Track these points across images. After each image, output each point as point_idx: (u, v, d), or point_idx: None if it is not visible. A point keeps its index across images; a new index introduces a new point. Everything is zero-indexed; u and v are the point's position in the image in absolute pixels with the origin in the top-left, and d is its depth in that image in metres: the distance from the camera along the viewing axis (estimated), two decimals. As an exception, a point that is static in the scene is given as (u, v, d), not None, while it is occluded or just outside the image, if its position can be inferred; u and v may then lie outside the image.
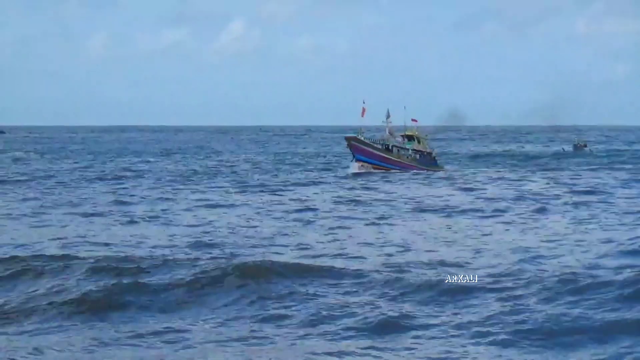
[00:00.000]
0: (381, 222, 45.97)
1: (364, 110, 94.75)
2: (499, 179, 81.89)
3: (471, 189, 68.86)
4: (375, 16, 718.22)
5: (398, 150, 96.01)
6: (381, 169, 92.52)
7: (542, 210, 51.09)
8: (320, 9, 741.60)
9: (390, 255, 33.85)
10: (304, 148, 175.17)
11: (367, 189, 69.97)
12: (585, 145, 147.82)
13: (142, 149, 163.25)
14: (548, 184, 74.25)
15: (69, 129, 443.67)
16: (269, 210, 51.54)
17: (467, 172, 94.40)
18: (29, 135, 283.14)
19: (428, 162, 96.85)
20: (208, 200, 58.21)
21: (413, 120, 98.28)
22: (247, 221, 46.13)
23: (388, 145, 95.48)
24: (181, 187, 70.30)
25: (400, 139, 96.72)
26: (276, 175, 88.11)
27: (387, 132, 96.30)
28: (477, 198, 60.30)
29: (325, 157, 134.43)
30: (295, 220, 46.77)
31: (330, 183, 76.96)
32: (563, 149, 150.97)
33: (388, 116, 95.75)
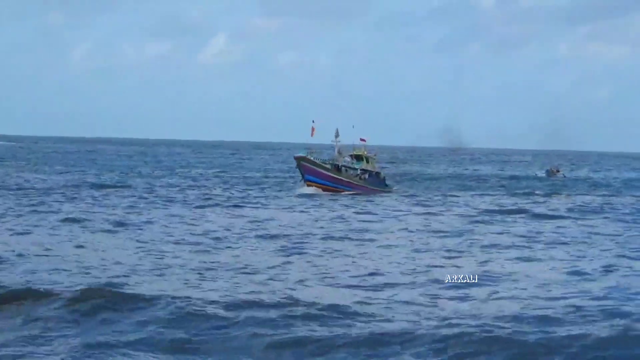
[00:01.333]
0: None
1: (313, 129, 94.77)
2: (425, 203, 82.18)
3: (369, 212, 68.54)
4: (359, 34, 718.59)
5: (346, 170, 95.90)
6: (331, 190, 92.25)
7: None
8: (306, 25, 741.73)
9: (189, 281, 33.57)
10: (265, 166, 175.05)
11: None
12: (559, 171, 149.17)
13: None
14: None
15: (40, 139, 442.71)
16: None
17: (413, 193, 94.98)
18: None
19: (377, 182, 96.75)
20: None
21: (362, 139, 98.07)
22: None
23: (337, 165, 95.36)
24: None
25: (348, 159, 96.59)
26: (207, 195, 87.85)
27: (337, 152, 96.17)
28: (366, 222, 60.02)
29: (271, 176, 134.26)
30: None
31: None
32: (536, 174, 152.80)
33: (337, 135, 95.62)
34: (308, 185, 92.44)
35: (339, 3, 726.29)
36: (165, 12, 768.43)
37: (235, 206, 71.48)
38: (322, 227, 55.35)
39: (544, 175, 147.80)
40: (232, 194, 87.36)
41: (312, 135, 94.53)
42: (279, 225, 55.69)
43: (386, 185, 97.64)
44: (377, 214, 66.52)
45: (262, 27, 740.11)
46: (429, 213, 68.32)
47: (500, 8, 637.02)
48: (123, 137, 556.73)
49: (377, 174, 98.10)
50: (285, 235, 49.74)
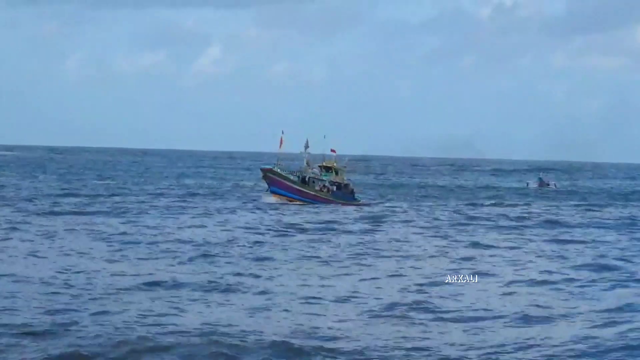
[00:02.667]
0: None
1: (281, 140, 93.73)
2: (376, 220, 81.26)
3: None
4: (353, 45, 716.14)
5: (314, 181, 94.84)
6: (296, 202, 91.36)
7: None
8: (300, 36, 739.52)
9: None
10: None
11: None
12: (548, 184, 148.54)
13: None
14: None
15: (34, 148, 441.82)
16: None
17: (379, 206, 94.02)
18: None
19: (345, 195, 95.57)
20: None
21: (332, 150, 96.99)
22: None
23: (305, 177, 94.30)
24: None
25: (317, 170, 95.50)
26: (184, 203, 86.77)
27: (305, 163, 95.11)
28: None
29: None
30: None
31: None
32: (527, 183, 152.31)
33: (307, 146, 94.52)
34: (273, 196, 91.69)
35: (334, 14, 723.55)
36: (159, 22, 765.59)
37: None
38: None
39: (535, 185, 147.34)
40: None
41: (280, 146, 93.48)
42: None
43: (354, 198, 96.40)
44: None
45: (256, 38, 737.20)
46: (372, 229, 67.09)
47: (495, 19, 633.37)
48: (118, 147, 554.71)
49: (346, 185, 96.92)
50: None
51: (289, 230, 63.21)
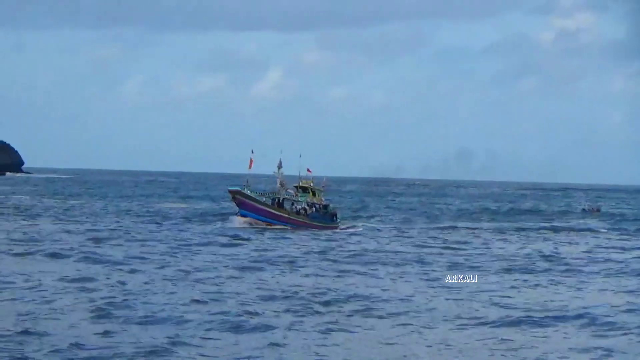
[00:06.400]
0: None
1: (251, 161, 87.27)
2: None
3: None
4: (413, 70, 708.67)
5: (292, 203, 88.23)
6: (267, 225, 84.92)
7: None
8: (358, 59, 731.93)
9: None
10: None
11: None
12: (598, 210, 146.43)
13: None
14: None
15: (93, 172, 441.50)
16: None
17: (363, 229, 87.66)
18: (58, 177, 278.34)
19: (322, 216, 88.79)
20: None
21: (308, 170, 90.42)
22: None
23: (278, 199, 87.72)
24: None
25: (292, 191, 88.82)
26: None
27: (278, 184, 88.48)
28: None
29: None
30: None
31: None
32: (583, 208, 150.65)
33: (280, 166, 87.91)
34: (242, 219, 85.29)
35: (395, 39, 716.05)
36: (219, 45, 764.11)
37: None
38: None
39: (587, 210, 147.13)
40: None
41: (249, 167, 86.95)
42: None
43: (333, 220, 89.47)
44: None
45: (316, 62, 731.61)
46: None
47: (557, 44, 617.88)
48: (177, 171, 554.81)
49: (325, 207, 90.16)
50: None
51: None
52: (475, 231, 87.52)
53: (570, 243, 75.97)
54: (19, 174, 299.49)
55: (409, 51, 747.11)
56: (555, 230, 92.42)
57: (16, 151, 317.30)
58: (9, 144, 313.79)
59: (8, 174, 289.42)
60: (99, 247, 60.97)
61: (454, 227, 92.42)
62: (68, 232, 73.76)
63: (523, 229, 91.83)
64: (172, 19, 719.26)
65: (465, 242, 73.68)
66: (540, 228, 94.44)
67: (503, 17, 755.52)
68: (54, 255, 54.25)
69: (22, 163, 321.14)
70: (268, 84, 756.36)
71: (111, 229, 77.81)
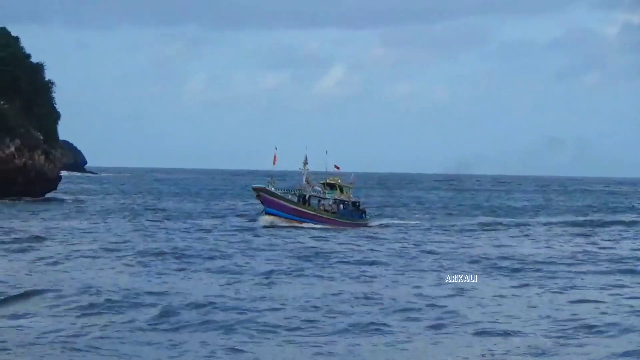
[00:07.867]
0: None
1: (275, 157, 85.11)
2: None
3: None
4: (477, 65, 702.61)
5: (319, 200, 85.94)
6: (294, 223, 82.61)
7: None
8: (422, 56, 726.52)
9: None
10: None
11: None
12: None
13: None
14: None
15: (153, 170, 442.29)
16: None
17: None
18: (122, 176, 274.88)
19: (351, 213, 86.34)
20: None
21: (336, 167, 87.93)
22: None
23: (305, 196, 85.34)
24: None
25: (319, 188, 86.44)
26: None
27: (304, 181, 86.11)
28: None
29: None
30: None
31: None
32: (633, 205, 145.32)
33: (305, 162, 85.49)
34: (268, 217, 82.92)
35: (459, 34, 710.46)
36: (282, 42, 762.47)
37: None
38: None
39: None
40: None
41: (274, 163, 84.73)
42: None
43: (362, 217, 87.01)
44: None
45: (380, 58, 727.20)
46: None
47: (621, 37, 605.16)
48: (237, 169, 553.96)
49: (354, 203, 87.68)
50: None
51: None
52: None
53: None
54: (86, 174, 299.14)
55: (473, 47, 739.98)
56: None
57: (79, 151, 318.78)
58: (72, 144, 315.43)
59: (73, 173, 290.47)
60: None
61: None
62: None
63: None
64: (234, 17, 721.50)
65: None
66: None
67: (567, 12, 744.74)
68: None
69: (85, 162, 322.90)
70: (331, 81, 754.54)
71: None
